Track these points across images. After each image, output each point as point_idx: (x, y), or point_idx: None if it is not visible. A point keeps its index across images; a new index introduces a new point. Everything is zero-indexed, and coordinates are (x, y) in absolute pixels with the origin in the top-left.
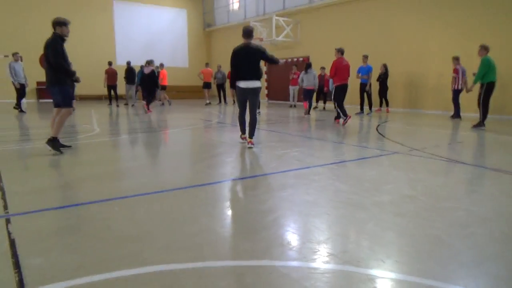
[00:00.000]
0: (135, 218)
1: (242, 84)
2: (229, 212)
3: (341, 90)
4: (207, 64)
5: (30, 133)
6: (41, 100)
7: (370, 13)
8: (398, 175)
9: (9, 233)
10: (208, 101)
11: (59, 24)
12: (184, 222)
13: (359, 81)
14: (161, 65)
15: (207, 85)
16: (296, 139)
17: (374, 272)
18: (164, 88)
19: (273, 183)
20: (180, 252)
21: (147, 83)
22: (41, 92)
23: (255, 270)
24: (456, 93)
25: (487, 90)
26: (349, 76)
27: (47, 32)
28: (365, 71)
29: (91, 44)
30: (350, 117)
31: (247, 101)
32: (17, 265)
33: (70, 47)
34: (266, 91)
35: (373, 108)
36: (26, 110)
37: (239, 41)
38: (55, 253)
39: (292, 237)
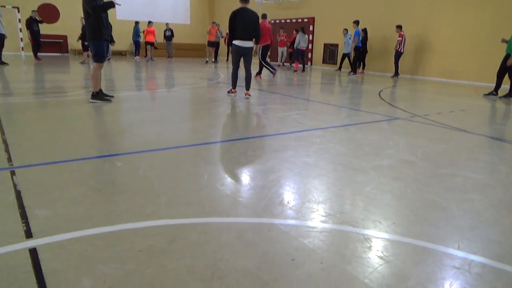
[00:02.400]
0: (138, 174)
1: (238, 43)
2: (231, 171)
3: (267, 49)
4: (213, 23)
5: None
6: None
7: None
8: (399, 141)
9: (15, 185)
10: (208, 59)
11: None
12: (186, 179)
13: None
14: (150, 23)
15: (211, 44)
16: (297, 101)
17: (370, 232)
18: (150, 44)
19: (275, 144)
20: (182, 208)
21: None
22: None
23: (255, 227)
24: (398, 55)
25: None
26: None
27: None
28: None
29: None
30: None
31: (241, 59)
32: (24, 216)
33: (69, 3)
34: None
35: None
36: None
37: None
38: (61, 205)
39: (292, 197)
